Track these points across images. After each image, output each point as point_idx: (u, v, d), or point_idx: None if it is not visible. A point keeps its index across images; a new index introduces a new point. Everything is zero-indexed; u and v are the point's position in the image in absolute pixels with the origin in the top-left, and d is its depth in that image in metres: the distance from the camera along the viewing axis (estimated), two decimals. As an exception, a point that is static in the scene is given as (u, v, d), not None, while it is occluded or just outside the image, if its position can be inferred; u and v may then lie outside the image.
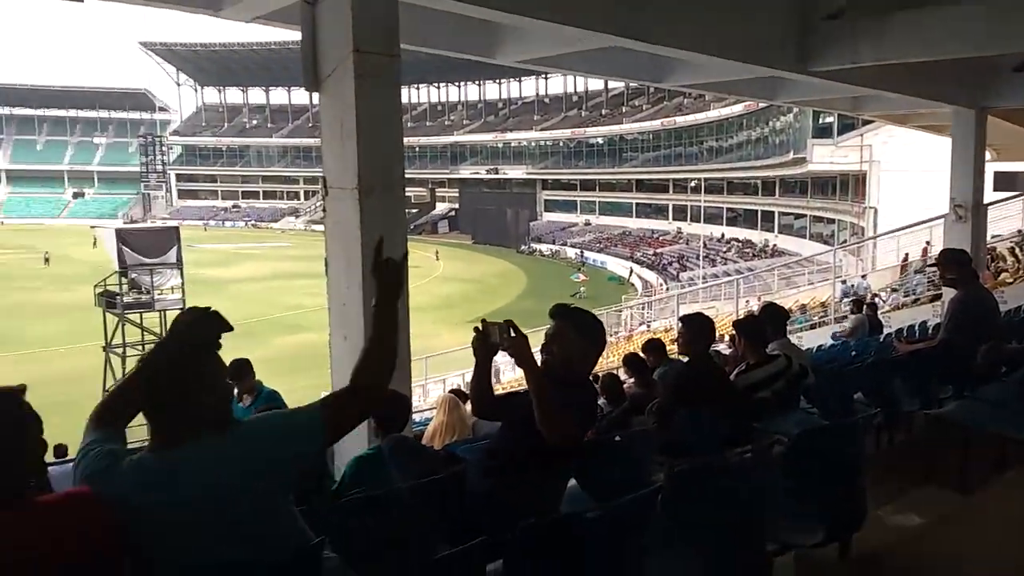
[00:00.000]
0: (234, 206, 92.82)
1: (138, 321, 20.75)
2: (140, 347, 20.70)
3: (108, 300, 20.73)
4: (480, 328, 2.66)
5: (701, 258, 42.45)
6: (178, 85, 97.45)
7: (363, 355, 1.99)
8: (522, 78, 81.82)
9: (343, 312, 4.26)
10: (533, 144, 74.88)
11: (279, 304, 35.69)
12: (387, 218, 4.06)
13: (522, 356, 2.59)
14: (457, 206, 77.06)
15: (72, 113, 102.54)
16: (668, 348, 7.02)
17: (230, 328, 1.87)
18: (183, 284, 21.45)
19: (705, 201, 48.54)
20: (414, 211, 72.19)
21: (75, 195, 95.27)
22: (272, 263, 52.89)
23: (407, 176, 4.40)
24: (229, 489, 1.74)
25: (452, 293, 41.14)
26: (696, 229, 49.97)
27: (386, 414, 3.39)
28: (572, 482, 2.99)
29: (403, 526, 2.52)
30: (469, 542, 2.04)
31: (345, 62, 3.74)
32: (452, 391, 5.85)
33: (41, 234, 71.55)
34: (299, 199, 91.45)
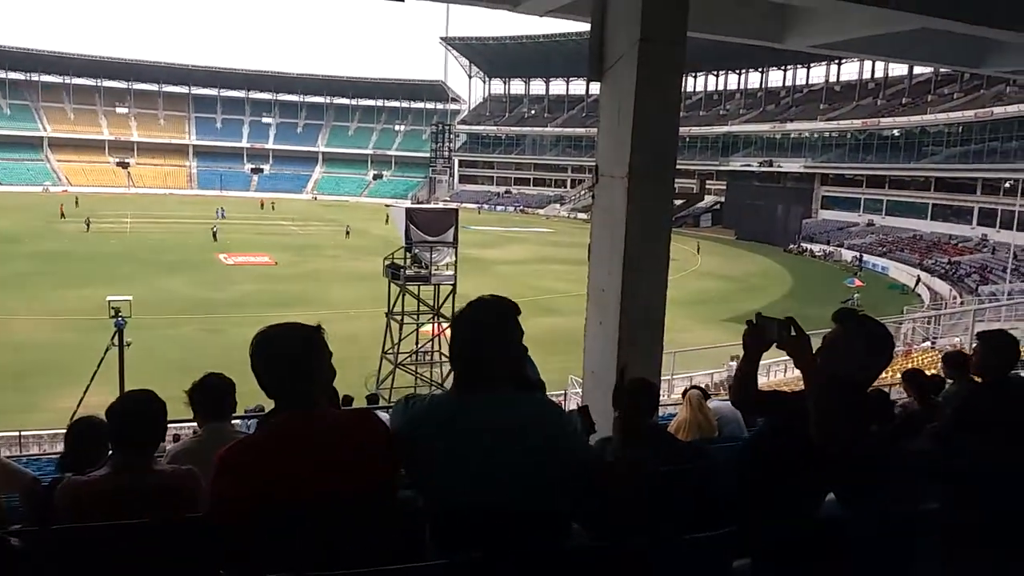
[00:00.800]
0: (506, 191, 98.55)
1: (416, 293, 22.93)
2: (415, 316, 22.90)
3: (393, 272, 23.11)
4: (754, 322, 2.60)
5: (1009, 271, 36.67)
6: (469, 77, 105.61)
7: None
8: (811, 64, 76.48)
9: (601, 298, 4.37)
10: (815, 135, 69.73)
11: (537, 287, 37.28)
12: (654, 206, 4.09)
13: (801, 356, 2.50)
14: (723, 199, 74.36)
15: (379, 103, 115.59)
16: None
17: (519, 312, 2.12)
18: (456, 262, 23.26)
19: (1022, 205, 41.69)
20: (680, 202, 71.19)
21: (375, 176, 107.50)
22: (534, 247, 55.30)
23: (677, 166, 4.37)
24: (504, 437, 1.96)
25: (708, 289, 39.97)
26: (1006, 237, 43.30)
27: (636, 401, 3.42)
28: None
29: (653, 508, 2.56)
30: (713, 532, 2.04)
31: (630, 51, 3.82)
32: (695, 387, 5.73)
33: (346, 210, 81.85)
34: (565, 187, 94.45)
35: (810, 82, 78.34)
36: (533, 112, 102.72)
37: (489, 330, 2.09)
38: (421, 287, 22.96)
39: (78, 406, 14.65)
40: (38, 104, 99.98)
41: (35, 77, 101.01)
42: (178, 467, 2.50)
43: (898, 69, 66.07)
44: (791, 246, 60.30)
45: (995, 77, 44.03)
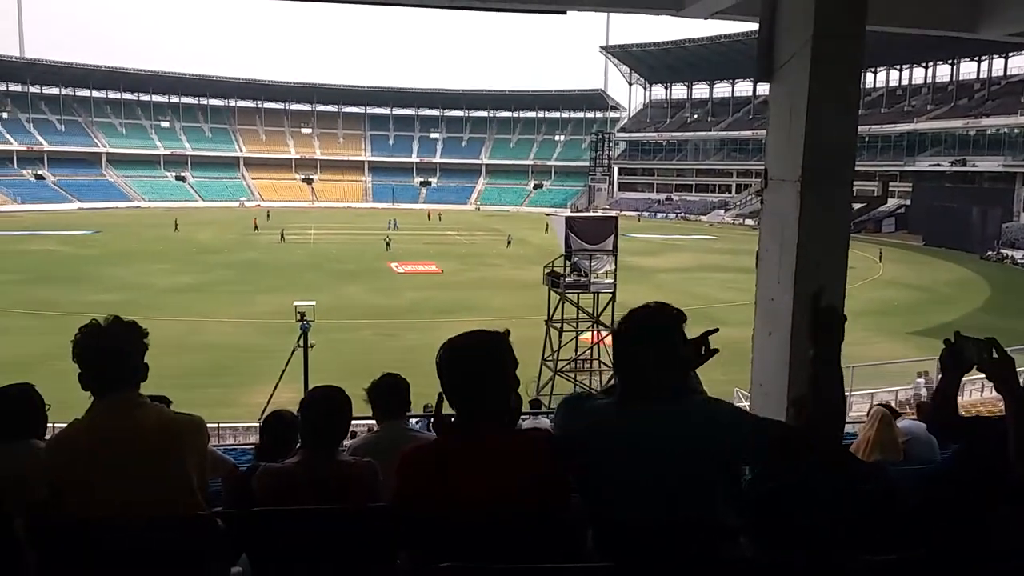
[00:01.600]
0: (667, 198, 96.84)
1: (575, 301, 23.06)
2: (575, 324, 23.02)
3: (553, 280, 23.40)
4: (952, 341, 2.43)
5: None
6: (629, 84, 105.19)
7: (810, 418, 2.08)
8: (1009, 53, 69.09)
9: (771, 308, 4.19)
10: (1016, 131, 62.83)
11: (699, 295, 36.27)
12: (828, 212, 3.88)
13: (1004, 380, 2.31)
14: (908, 203, 68.83)
15: (540, 114, 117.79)
16: None
17: (684, 319, 2.12)
18: (615, 270, 23.17)
19: None
20: (859, 206, 66.55)
21: (536, 186, 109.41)
22: (696, 255, 53.86)
23: (856, 168, 4.13)
24: (668, 451, 1.95)
25: (892, 299, 37.01)
26: None
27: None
28: None
29: (826, 527, 2.44)
30: (895, 554, 1.91)
31: (803, 49, 3.66)
32: (882, 404, 5.36)
33: (507, 219, 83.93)
34: (730, 192, 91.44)
35: (1009, 73, 70.73)
36: (696, 116, 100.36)
37: (651, 337, 2.09)
38: (580, 295, 23.06)
39: (268, 401, 16.00)
40: (235, 127, 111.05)
41: (232, 103, 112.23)
42: (359, 459, 2.69)
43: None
44: (988, 252, 54.57)
45: None
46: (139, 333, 2.31)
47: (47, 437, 3.15)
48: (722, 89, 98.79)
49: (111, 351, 2.25)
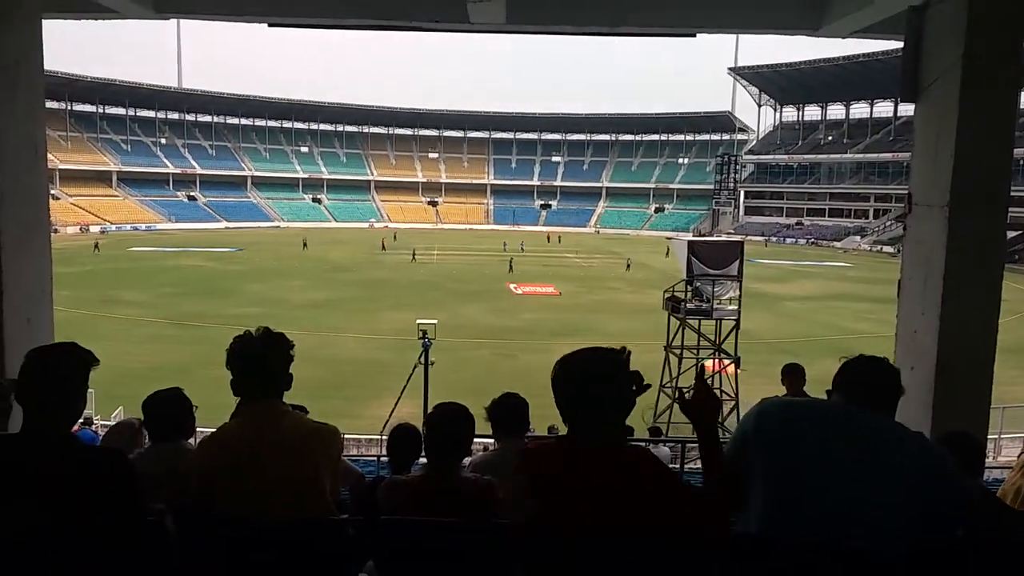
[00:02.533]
0: (797, 223, 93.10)
1: (696, 327, 22.50)
2: (695, 351, 22.44)
3: (673, 305, 22.95)
4: None
5: None
6: (759, 106, 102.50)
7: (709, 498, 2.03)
8: None
9: (913, 340, 3.98)
10: None
11: (830, 325, 34.47)
12: (980, 239, 3.65)
13: None
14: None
15: (663, 137, 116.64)
16: None
17: None
18: (740, 296, 22.46)
19: None
20: (1014, 234, 61.48)
21: (656, 209, 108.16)
22: (828, 283, 51.35)
23: (1012, 193, 3.85)
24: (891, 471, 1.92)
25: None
26: None
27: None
28: None
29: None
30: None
31: (952, 69, 3.47)
32: None
33: (627, 243, 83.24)
34: (867, 218, 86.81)
35: None
36: (831, 138, 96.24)
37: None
38: (702, 321, 22.51)
39: (390, 415, 16.52)
40: (367, 152, 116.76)
41: (365, 129, 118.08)
42: (479, 476, 2.75)
43: None
44: None
45: None
46: (286, 345, 2.46)
47: (196, 439, 3.42)
48: (859, 110, 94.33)
49: (261, 360, 2.40)
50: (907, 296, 4.06)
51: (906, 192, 3.99)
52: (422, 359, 18.45)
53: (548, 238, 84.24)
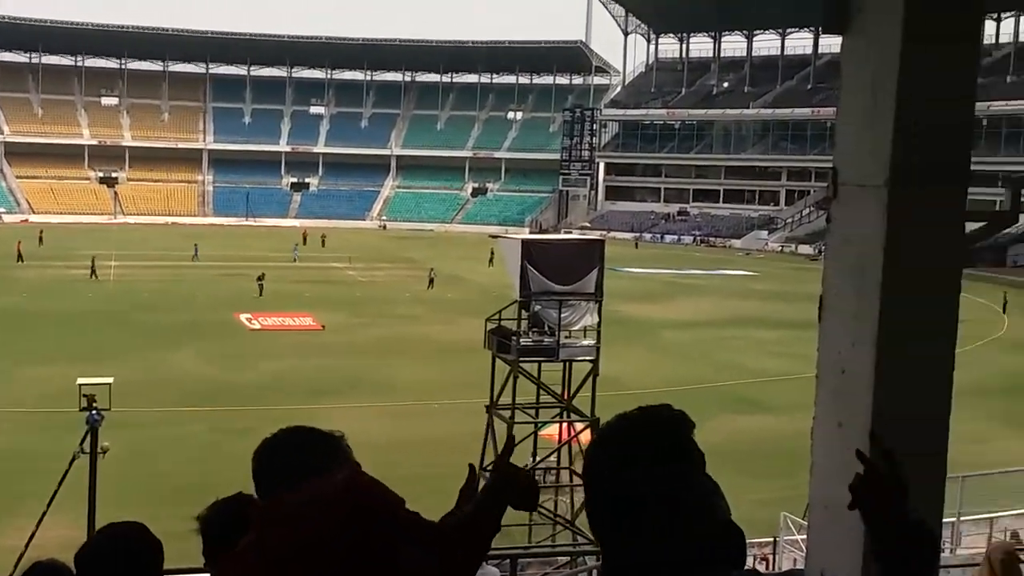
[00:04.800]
0: (680, 212, 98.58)
1: (535, 374, 22.79)
2: (533, 412, 22.77)
3: (500, 341, 23.13)
4: None
5: None
6: (625, 34, 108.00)
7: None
8: None
9: (841, 383, 4.07)
10: None
11: (726, 365, 36.52)
12: (932, 234, 3.79)
13: None
14: (1046, 222, 71.14)
15: (484, 79, 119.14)
16: None
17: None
18: (599, 324, 23.09)
19: None
20: (975, 227, 68.26)
21: (475, 192, 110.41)
22: (724, 301, 54.57)
23: (974, 168, 4.08)
24: None
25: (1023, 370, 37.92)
26: None
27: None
28: None
29: None
30: None
31: (894, -13, 3.61)
32: (1010, 541, 5.40)
33: (429, 243, 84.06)
34: (777, 204, 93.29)
35: None
36: (727, 85, 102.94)
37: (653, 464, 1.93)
38: (543, 364, 22.92)
39: (27, 546, 15.35)
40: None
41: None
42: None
43: None
44: None
45: None
46: None
47: None
48: (767, 43, 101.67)
49: None
50: (832, 320, 4.16)
51: (830, 167, 4.11)
52: (86, 445, 17.34)
53: (305, 238, 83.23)
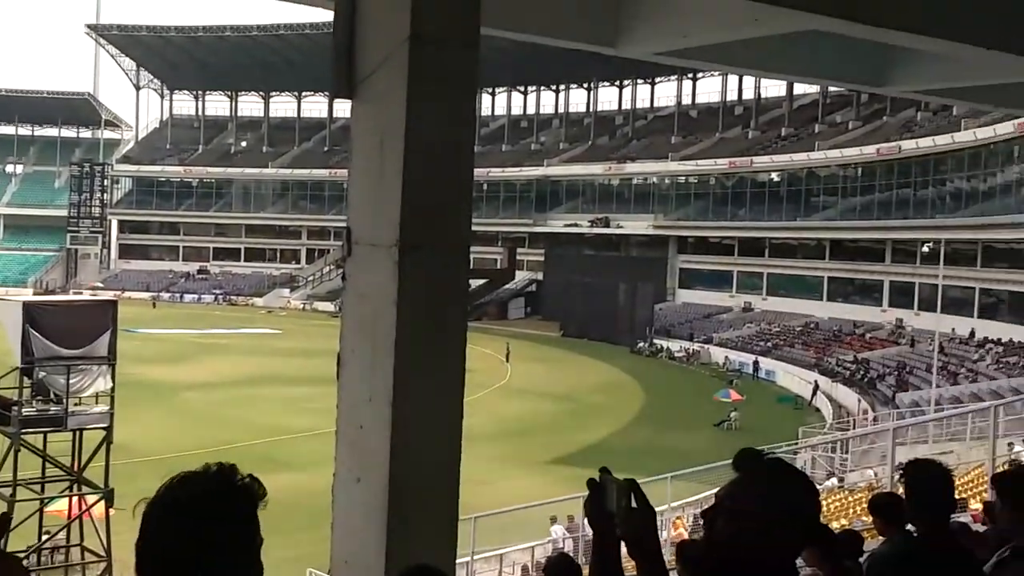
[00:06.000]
0: (201, 271, 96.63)
1: (39, 447, 21.25)
2: (39, 487, 21.22)
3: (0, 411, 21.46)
4: (596, 482, 2.56)
5: (935, 370, 41.26)
6: (137, 88, 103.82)
7: None
8: (656, 79, 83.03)
9: (359, 438, 4.22)
10: (667, 182, 75.48)
11: (251, 425, 36.23)
12: (439, 291, 4.06)
13: (638, 541, 2.49)
14: (540, 277, 77.60)
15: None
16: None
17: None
18: (114, 390, 22.05)
19: (945, 277, 47.38)
20: (479, 284, 72.50)
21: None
22: (248, 359, 54.18)
23: (472, 228, 4.39)
24: None
25: (526, 414, 41.19)
26: (928, 322, 48.73)
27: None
28: None
29: None
30: None
31: (397, 54, 3.81)
32: None
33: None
34: (298, 262, 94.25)
35: (657, 104, 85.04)
36: (245, 144, 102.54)
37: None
38: (49, 435, 21.49)
39: None
40: None
41: None
42: None
43: (776, 87, 73.80)
44: (640, 344, 63.87)
45: (900, 100, 50.56)
46: None
47: None
48: (284, 104, 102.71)
49: None
50: (350, 376, 4.28)
51: (345, 227, 4.25)
52: None
53: None
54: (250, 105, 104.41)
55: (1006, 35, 6.30)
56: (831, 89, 61.32)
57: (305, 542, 19.26)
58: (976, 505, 14.13)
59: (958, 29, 5.98)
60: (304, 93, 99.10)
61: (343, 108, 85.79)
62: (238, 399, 41.83)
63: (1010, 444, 22.03)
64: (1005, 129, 46.27)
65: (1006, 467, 14.32)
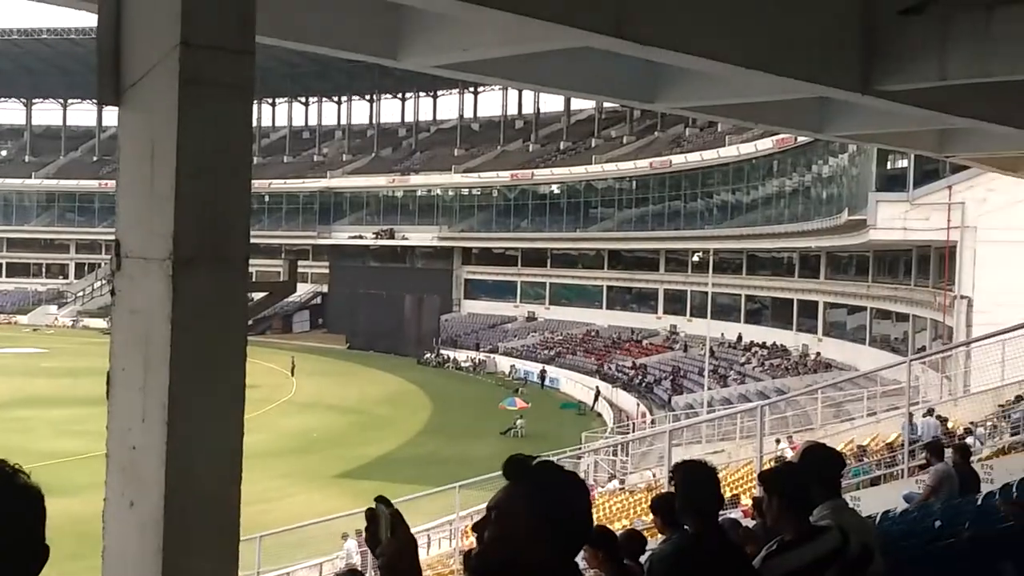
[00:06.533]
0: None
1: None
2: None
3: None
4: (373, 512, 2.54)
5: (707, 373, 43.13)
6: None
7: None
8: (439, 92, 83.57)
9: (132, 460, 4.03)
10: (451, 193, 76.12)
11: (19, 450, 34.25)
12: (217, 306, 3.92)
13: (392, 569, 2.49)
14: (325, 289, 76.93)
15: None
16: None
17: None
18: None
19: (715, 285, 49.67)
20: (259, 296, 71.15)
21: None
22: (11, 381, 51.44)
23: (252, 241, 4.29)
24: None
25: (311, 428, 40.79)
26: (700, 328, 50.86)
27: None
28: None
29: None
30: None
31: (166, 60, 3.68)
32: None
33: None
34: (66, 277, 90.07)
35: (439, 117, 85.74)
36: (5, 153, 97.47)
37: None
38: None
39: None
40: None
41: None
42: None
43: (554, 103, 75.59)
44: (427, 355, 64.25)
45: (671, 116, 52.71)
46: None
47: None
48: (48, 114, 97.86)
49: None
50: (121, 395, 4.09)
51: (114, 240, 4.08)
52: None
53: None
54: (12, 112, 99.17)
55: (764, 56, 6.68)
56: (606, 105, 63.11)
57: (73, 572, 18.39)
58: (747, 501, 14.78)
59: (719, 50, 6.31)
60: (71, 100, 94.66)
61: (114, 116, 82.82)
62: (6, 422, 39.64)
63: (777, 440, 23.13)
64: (765, 145, 49.19)
65: (772, 464, 15.10)
